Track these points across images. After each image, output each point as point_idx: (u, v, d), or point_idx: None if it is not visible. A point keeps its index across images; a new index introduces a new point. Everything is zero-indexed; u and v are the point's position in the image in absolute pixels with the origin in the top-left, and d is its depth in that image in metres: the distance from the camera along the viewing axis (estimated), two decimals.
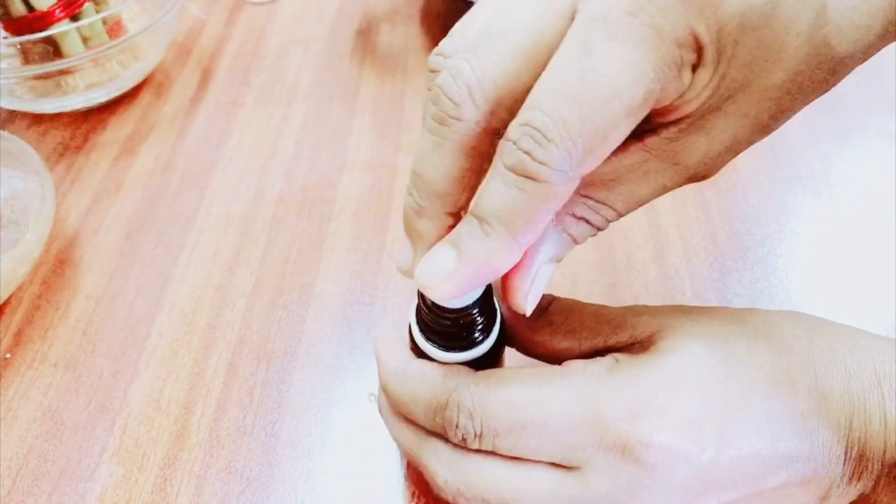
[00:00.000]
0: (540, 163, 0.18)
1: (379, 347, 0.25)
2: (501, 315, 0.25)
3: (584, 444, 0.21)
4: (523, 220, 0.19)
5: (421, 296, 0.24)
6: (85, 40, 0.47)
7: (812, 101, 0.21)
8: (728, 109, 0.20)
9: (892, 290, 0.36)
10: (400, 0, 0.59)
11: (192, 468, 0.31)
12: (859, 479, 0.22)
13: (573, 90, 0.18)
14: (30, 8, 0.45)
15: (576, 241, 0.22)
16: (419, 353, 0.25)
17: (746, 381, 0.22)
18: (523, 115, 0.18)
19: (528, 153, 0.18)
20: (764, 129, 0.21)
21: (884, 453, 0.21)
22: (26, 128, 0.49)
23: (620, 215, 0.22)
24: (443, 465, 0.23)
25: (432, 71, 0.21)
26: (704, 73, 0.19)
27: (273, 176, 0.44)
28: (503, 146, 0.19)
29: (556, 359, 0.25)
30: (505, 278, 0.22)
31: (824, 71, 0.20)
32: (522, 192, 0.18)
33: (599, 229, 0.22)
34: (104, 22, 0.47)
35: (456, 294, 0.20)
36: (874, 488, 0.22)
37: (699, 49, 0.18)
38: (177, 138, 0.48)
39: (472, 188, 0.21)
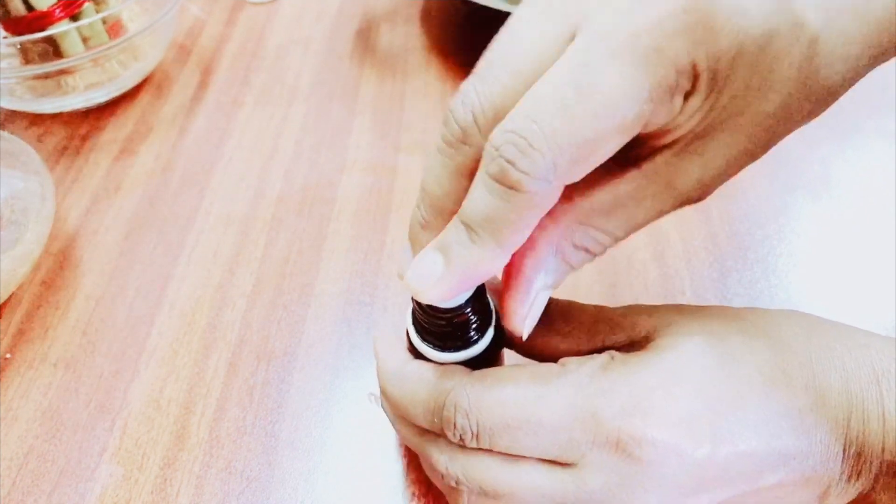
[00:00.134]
0: (522, 173, 0.18)
1: (378, 349, 0.26)
2: (497, 314, 0.25)
3: (579, 441, 0.21)
4: (508, 229, 0.19)
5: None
6: (85, 40, 0.47)
7: (799, 127, 0.21)
8: (721, 134, 0.20)
9: (892, 290, 0.36)
10: (400, 0, 0.59)
11: (192, 468, 0.31)
12: (858, 477, 0.22)
13: (567, 100, 0.18)
14: (30, 8, 0.45)
15: (573, 269, 0.23)
16: (417, 355, 0.25)
17: (743, 378, 0.22)
18: (511, 121, 0.19)
19: (510, 162, 0.18)
20: (754, 154, 0.21)
21: (882, 451, 0.21)
22: (26, 128, 0.49)
23: (618, 241, 0.23)
24: (444, 457, 0.24)
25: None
26: (695, 100, 0.19)
27: (273, 176, 0.44)
28: (486, 151, 0.19)
29: (555, 360, 0.25)
30: (503, 302, 0.23)
31: (812, 101, 0.20)
32: (505, 202, 0.19)
33: (597, 255, 0.23)
34: (104, 22, 0.47)
35: (444, 297, 0.21)
36: (873, 487, 0.22)
37: (695, 77, 0.19)
38: (177, 138, 0.48)
39: None
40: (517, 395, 0.22)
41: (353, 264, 0.39)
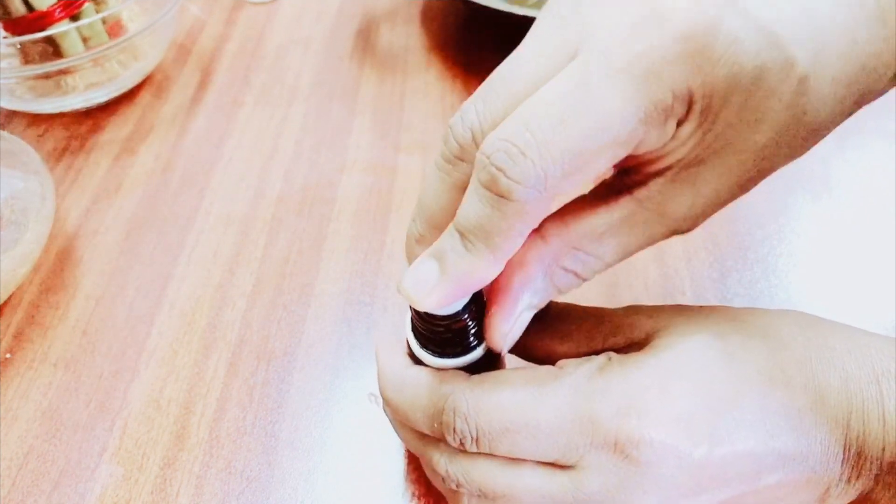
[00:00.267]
0: (512, 181, 0.18)
1: (379, 353, 0.26)
2: None
3: (577, 444, 0.21)
4: (499, 237, 0.20)
5: None
6: (85, 40, 0.47)
7: (790, 162, 0.22)
8: (712, 164, 0.21)
9: (892, 290, 0.36)
10: (400, 0, 0.59)
11: (192, 468, 0.31)
12: (858, 478, 0.22)
13: (563, 113, 0.18)
14: (30, 8, 0.45)
15: (560, 292, 0.23)
16: (417, 361, 0.25)
17: (742, 377, 0.22)
18: (505, 129, 0.19)
19: (500, 170, 0.19)
20: (744, 186, 0.22)
21: (882, 452, 0.21)
22: (26, 128, 0.49)
23: (608, 266, 0.23)
24: (444, 460, 0.24)
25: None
26: (688, 127, 0.20)
27: (273, 176, 0.44)
28: (477, 159, 0.19)
29: (554, 362, 0.25)
30: (488, 317, 0.23)
31: (800, 137, 0.21)
32: (496, 210, 0.19)
33: (584, 280, 0.23)
34: (104, 22, 0.47)
35: (441, 305, 0.21)
36: (873, 487, 0.22)
37: (690, 104, 0.19)
38: (177, 138, 0.48)
39: None
40: (515, 399, 0.22)
41: (353, 264, 0.39)
